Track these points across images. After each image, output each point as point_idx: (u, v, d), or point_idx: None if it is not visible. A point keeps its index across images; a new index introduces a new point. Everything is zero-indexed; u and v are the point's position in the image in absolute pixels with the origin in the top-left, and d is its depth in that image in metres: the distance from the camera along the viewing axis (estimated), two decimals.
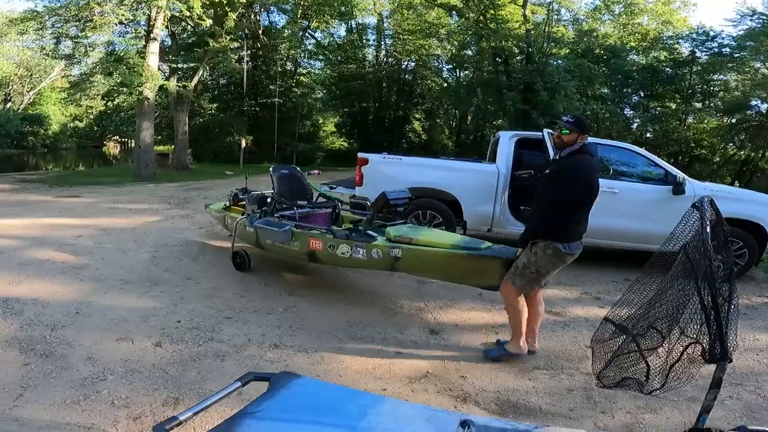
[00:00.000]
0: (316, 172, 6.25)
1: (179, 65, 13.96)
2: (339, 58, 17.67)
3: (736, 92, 19.49)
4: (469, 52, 19.42)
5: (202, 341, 2.89)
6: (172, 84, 13.05)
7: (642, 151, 5.15)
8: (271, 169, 4.51)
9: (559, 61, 16.77)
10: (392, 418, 1.48)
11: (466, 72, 20.92)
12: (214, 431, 1.26)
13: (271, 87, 15.59)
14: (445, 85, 20.36)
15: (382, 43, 18.73)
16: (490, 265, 2.97)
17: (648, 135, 20.12)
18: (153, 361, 2.63)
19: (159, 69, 12.77)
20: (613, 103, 20.31)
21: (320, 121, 17.12)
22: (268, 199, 4.26)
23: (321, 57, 18.02)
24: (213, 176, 13.39)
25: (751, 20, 17.74)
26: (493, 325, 3.42)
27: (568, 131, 2.61)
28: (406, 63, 18.86)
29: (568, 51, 18.24)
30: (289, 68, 16.86)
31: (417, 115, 19.14)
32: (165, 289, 3.77)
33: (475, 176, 5.24)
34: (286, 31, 15.87)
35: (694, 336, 1.43)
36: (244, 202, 4.51)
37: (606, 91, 21.23)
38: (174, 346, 2.82)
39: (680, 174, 4.62)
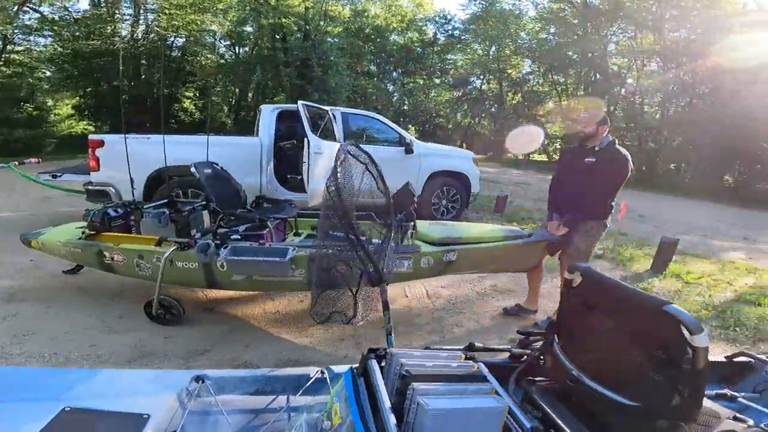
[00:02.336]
0: (34, 160, 5.17)
1: None
2: (76, 33, 14.21)
3: (462, 70, 24.83)
4: (248, 29, 18.61)
5: None
6: None
7: (382, 118, 6.03)
8: (193, 167, 3.33)
9: (334, 39, 17.75)
10: (109, 386, 1.39)
11: (245, 48, 20.10)
12: None
13: None
14: (222, 61, 19.21)
15: (142, 17, 15.98)
16: (536, 250, 3.11)
17: (405, 107, 23.71)
18: None
19: None
20: (378, 78, 23.04)
21: (49, 104, 13.49)
22: (205, 214, 3.13)
23: (49, 33, 14.21)
24: None
25: (475, 5, 22.58)
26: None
27: (584, 126, 2.90)
28: (172, 39, 16.64)
29: (342, 29, 19.44)
30: None
31: (188, 94, 17.33)
32: None
33: (237, 150, 5.13)
34: None
35: (361, 267, 1.81)
36: (134, 222, 3.13)
37: (373, 68, 23.88)
38: None
39: (409, 136, 5.67)
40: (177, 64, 16.54)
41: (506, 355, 1.72)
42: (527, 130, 18.34)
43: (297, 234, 3.62)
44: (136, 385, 1.44)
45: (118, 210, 3.14)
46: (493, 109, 23.89)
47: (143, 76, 15.90)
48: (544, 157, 22.27)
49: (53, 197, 5.67)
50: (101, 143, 4.47)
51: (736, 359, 2.10)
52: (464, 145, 21.82)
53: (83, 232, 3.01)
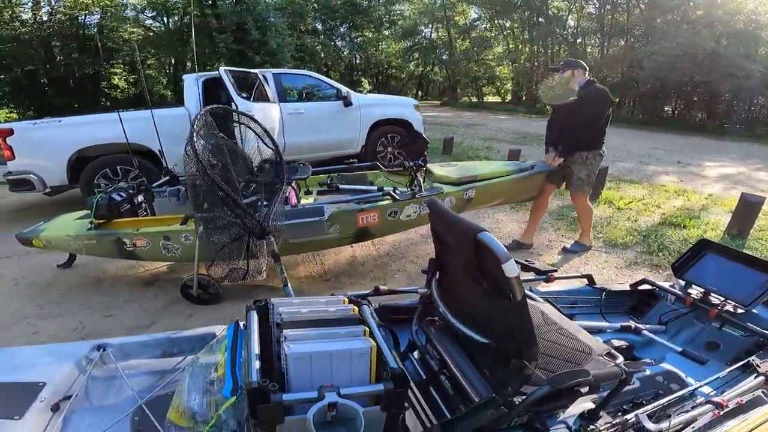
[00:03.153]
0: None
1: None
2: None
3: (409, 20, 24.14)
4: None
5: None
6: None
7: (317, 75, 5.91)
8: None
9: (270, 0, 16.72)
10: (7, 362, 1.37)
11: (175, 18, 18.68)
12: None
13: None
14: (151, 33, 17.84)
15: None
16: (537, 180, 3.40)
17: (357, 61, 23.01)
18: None
19: None
20: (325, 36, 22.04)
21: None
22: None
23: None
24: None
25: None
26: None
27: (562, 71, 3.30)
28: (84, 17, 15.21)
29: None
30: None
31: (116, 70, 16.09)
32: None
33: (164, 122, 4.81)
34: None
35: (243, 223, 1.82)
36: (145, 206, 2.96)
37: (318, 25, 22.75)
38: None
39: (345, 89, 5.58)
40: (94, 42, 15.23)
41: (416, 297, 1.70)
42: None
43: (308, 192, 3.46)
44: (35, 359, 1.42)
45: (122, 194, 2.98)
46: (444, 57, 23.60)
47: (59, 58, 14.64)
48: (497, 99, 22.56)
49: None
50: (11, 131, 4.23)
51: (640, 287, 2.09)
52: (419, 92, 21.62)
53: (91, 222, 2.81)
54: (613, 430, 1.23)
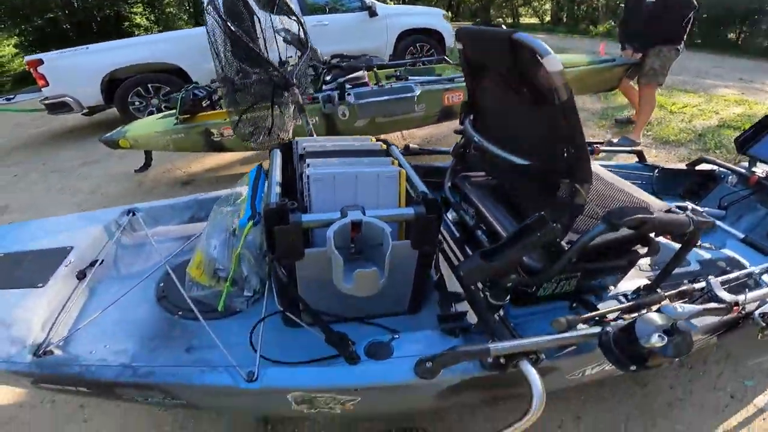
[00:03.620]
0: None
1: None
2: None
3: None
4: None
5: None
6: None
7: None
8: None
9: None
10: (39, 232, 1.38)
11: None
12: None
13: None
14: None
15: None
16: (617, 72, 3.50)
17: None
18: None
19: None
20: None
21: None
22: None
23: None
24: None
25: None
26: None
27: None
28: None
29: None
30: None
31: (136, 9, 15.80)
32: None
33: (192, 41, 4.83)
34: None
35: (267, 76, 1.74)
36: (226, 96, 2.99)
37: None
38: None
39: (371, 1, 5.20)
40: None
41: (449, 158, 1.63)
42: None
43: (378, 84, 3.45)
44: (66, 226, 1.43)
45: (202, 90, 3.04)
46: None
47: (76, 4, 14.51)
48: (535, 20, 20.85)
49: (23, 123, 5.63)
50: (40, 61, 4.39)
51: (698, 167, 1.93)
52: (450, 14, 20.09)
53: (177, 118, 2.90)
54: (679, 298, 1.10)
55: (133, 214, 1.52)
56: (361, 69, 3.13)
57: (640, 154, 1.95)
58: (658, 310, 0.90)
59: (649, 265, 1.38)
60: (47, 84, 4.37)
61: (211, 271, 1.20)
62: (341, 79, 2.92)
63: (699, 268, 1.39)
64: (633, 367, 0.84)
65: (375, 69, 3.26)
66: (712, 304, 1.08)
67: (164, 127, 2.94)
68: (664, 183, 1.95)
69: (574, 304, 1.14)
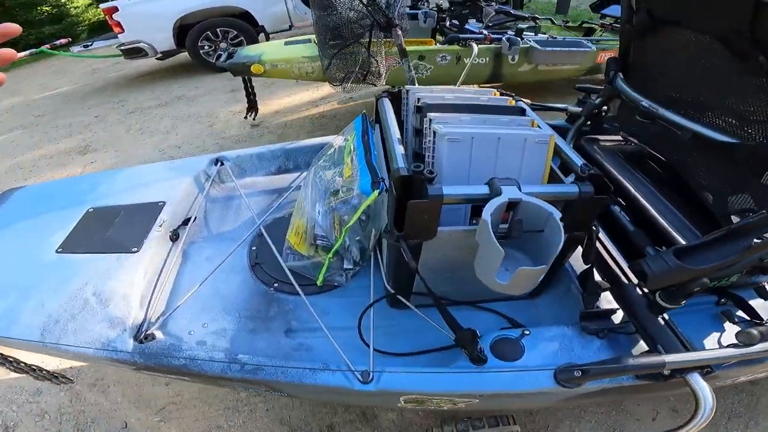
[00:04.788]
0: (63, 41, 5.32)
1: None
2: None
3: None
4: None
5: None
6: None
7: None
8: None
9: None
10: (131, 182, 1.37)
11: None
12: None
13: None
14: None
15: None
16: None
17: None
18: None
19: None
20: None
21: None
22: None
23: None
24: None
25: None
26: None
27: None
28: None
29: None
30: None
31: None
32: None
33: None
34: None
35: (368, 16, 1.52)
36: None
37: None
38: None
39: None
40: None
41: (563, 116, 1.48)
42: None
43: (550, 35, 3.56)
44: (155, 175, 1.39)
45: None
46: None
47: None
48: None
49: (100, 68, 5.88)
50: (115, 9, 4.46)
51: None
52: None
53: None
54: None
55: (222, 164, 1.45)
56: (527, 19, 3.37)
57: None
58: None
59: None
60: (123, 31, 4.47)
61: (312, 239, 1.08)
62: (522, 25, 3.12)
63: None
64: None
65: (538, 20, 3.46)
66: None
67: (311, 52, 2.58)
68: None
69: (723, 300, 0.98)
